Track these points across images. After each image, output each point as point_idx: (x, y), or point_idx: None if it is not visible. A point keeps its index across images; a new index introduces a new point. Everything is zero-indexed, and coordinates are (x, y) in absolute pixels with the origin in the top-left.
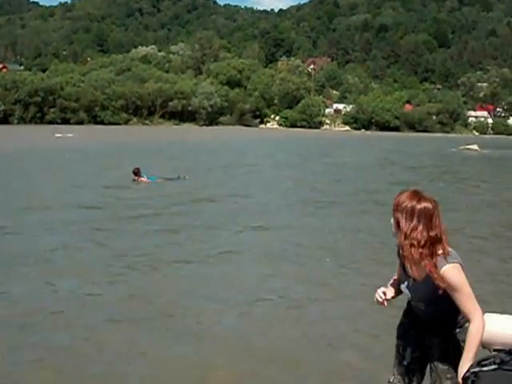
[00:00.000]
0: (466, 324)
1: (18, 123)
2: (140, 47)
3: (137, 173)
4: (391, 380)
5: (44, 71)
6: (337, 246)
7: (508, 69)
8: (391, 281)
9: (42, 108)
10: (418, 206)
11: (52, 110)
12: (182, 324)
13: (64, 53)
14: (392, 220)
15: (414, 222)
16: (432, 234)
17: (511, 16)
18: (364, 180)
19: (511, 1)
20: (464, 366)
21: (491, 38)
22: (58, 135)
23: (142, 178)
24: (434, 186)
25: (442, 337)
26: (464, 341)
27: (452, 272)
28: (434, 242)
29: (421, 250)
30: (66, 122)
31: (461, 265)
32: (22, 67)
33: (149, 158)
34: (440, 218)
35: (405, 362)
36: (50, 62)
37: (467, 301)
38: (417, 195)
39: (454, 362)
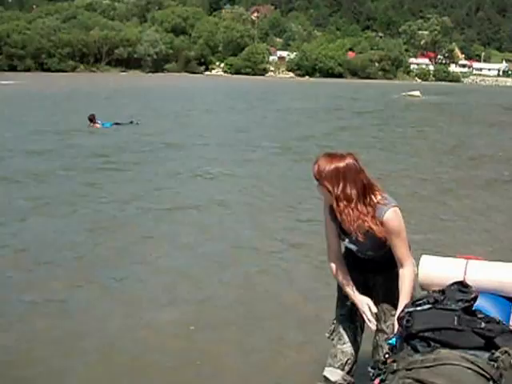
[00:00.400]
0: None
1: None
2: None
3: (92, 119)
4: (335, 321)
5: None
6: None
7: (448, 17)
8: (349, 287)
9: None
10: (341, 165)
11: None
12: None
13: (9, 0)
14: (320, 191)
15: (341, 182)
16: (361, 186)
17: None
18: (311, 125)
19: None
20: (399, 307)
21: None
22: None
23: (97, 124)
24: (377, 130)
25: (386, 276)
26: None
27: (392, 217)
28: (365, 194)
29: (356, 207)
30: (13, 69)
31: (398, 207)
32: None
33: (98, 105)
34: (363, 168)
35: (348, 302)
36: None
37: (402, 246)
38: (333, 156)
39: (397, 300)
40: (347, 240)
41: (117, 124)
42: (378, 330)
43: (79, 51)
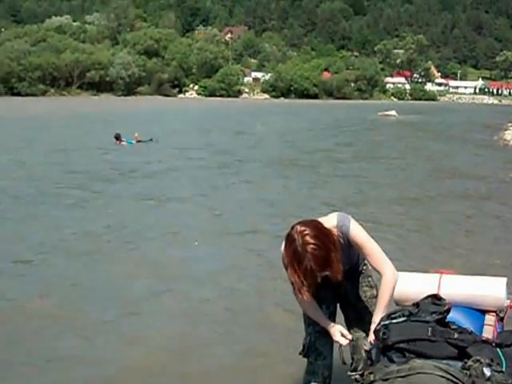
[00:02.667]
0: (365, 261)
1: None
2: (54, 17)
3: (118, 137)
4: (311, 339)
5: None
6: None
7: (423, 35)
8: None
9: None
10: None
11: None
12: None
13: None
14: (309, 266)
15: (331, 247)
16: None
17: None
18: (291, 146)
19: None
20: (376, 317)
21: (406, 5)
22: None
23: (123, 142)
24: (351, 150)
25: (353, 281)
26: (370, 276)
27: (354, 229)
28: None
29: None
30: None
31: (350, 216)
32: None
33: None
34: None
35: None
36: None
37: (376, 251)
38: (293, 235)
39: (369, 298)
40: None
41: (138, 141)
42: (356, 331)
43: (50, 75)
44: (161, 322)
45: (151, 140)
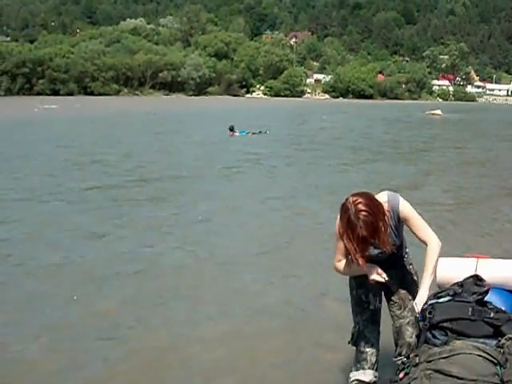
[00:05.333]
0: (407, 249)
1: (5, 95)
2: (129, 20)
3: (232, 129)
4: (359, 328)
5: (32, 42)
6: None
7: (465, 43)
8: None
9: (30, 79)
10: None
11: (41, 81)
12: None
13: (52, 24)
14: (361, 231)
15: (380, 215)
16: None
17: None
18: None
19: None
20: (423, 288)
21: (450, 17)
22: (45, 106)
23: (236, 133)
24: (408, 144)
25: (397, 267)
26: (411, 264)
27: (403, 205)
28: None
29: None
30: (55, 93)
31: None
32: (8, 38)
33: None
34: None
35: (371, 307)
36: (39, 33)
37: (423, 224)
38: (352, 202)
39: (410, 285)
40: (374, 251)
41: (253, 133)
42: (399, 317)
43: (123, 75)
44: None
45: (260, 132)
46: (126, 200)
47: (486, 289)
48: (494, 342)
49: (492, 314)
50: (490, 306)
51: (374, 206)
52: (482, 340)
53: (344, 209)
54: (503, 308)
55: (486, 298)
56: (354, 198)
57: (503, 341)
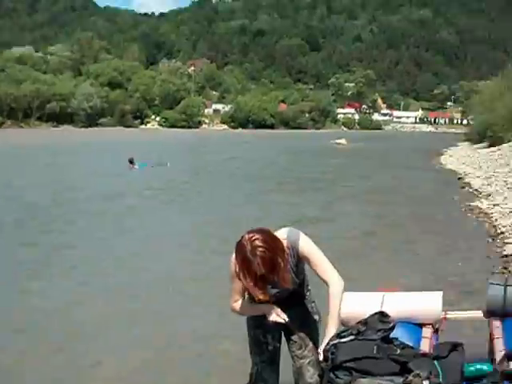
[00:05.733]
0: (309, 287)
1: None
2: (15, 48)
3: (131, 161)
4: (258, 369)
5: None
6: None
7: (371, 70)
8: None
9: None
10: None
11: None
12: None
13: None
14: (256, 268)
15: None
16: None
17: (374, 24)
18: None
19: (374, 10)
20: (329, 331)
21: (357, 43)
22: None
23: (135, 166)
24: (311, 174)
25: (298, 306)
26: (313, 302)
27: (304, 241)
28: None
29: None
30: None
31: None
32: None
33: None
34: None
35: (270, 347)
36: None
37: (324, 262)
38: (253, 239)
39: (312, 324)
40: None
41: (152, 166)
42: (300, 357)
43: (7, 106)
44: None
45: (161, 164)
46: None
47: (391, 325)
48: (401, 380)
49: (398, 351)
50: (396, 343)
51: (271, 242)
52: (388, 377)
53: (239, 246)
54: (410, 343)
55: (392, 334)
56: (250, 235)
57: (410, 377)
